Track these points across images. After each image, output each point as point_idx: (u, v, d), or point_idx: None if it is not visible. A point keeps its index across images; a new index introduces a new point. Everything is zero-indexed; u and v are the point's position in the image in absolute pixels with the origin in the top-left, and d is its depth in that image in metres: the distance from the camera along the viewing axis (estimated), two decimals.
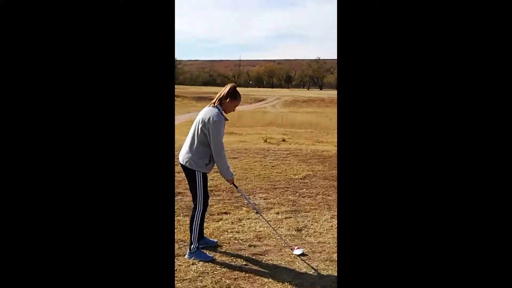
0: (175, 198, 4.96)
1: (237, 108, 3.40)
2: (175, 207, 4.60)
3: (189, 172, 3.28)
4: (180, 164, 3.31)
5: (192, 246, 3.26)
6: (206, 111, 3.25)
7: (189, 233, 3.34)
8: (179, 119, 19.75)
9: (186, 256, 3.26)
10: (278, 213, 4.51)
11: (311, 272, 3.09)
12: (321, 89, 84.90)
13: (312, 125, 17.41)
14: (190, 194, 3.42)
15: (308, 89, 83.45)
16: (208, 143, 3.19)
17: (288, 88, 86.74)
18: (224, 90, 3.30)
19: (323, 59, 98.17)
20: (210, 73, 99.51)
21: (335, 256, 3.38)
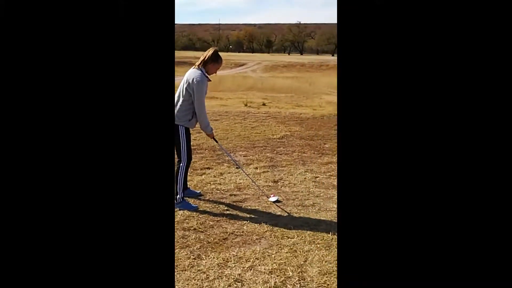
0: None
1: (218, 72, 3.69)
2: None
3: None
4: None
5: (178, 196, 3.61)
6: (191, 73, 3.53)
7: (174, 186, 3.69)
8: None
9: (175, 207, 3.60)
10: (256, 168, 4.89)
11: (285, 215, 3.49)
12: (301, 54, 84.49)
13: (292, 89, 17.68)
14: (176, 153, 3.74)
15: (288, 54, 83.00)
16: (191, 101, 3.49)
17: (268, 53, 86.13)
18: (207, 53, 3.58)
19: (304, 24, 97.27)
20: (189, 37, 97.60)
21: (306, 202, 3.79)
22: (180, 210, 3.53)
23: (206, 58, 3.54)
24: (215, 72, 3.65)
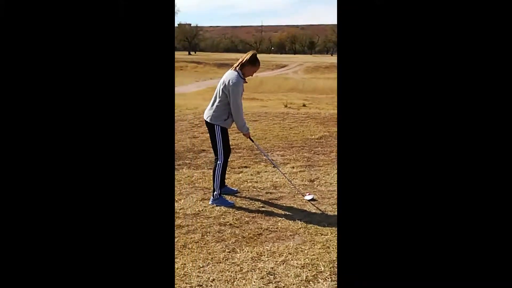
0: (199, 155, 5.45)
1: (259, 74, 3.83)
2: (200, 162, 5.10)
3: (210, 127, 3.73)
4: (204, 120, 3.77)
5: (215, 193, 3.73)
6: (227, 74, 3.66)
7: (212, 182, 3.82)
8: (200, 85, 20.17)
9: (210, 202, 3.73)
10: (293, 167, 4.95)
11: (319, 213, 3.53)
12: None
13: (333, 90, 17.53)
14: (213, 151, 3.87)
15: (331, 55, 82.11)
16: (228, 102, 3.62)
17: (311, 54, 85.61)
18: (246, 56, 3.69)
19: None
20: (231, 40, 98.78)
21: None
22: (217, 206, 3.65)
23: (244, 61, 3.66)
24: (252, 75, 3.76)
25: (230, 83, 3.56)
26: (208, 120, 3.72)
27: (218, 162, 3.75)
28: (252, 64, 3.67)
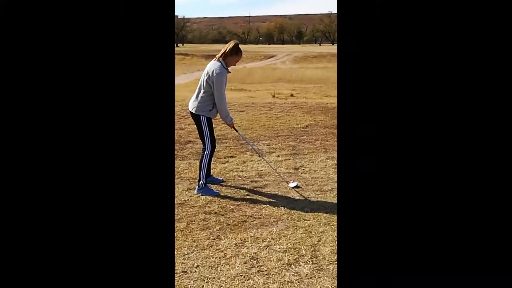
0: (186, 146, 5.49)
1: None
2: (186, 153, 5.14)
3: (195, 118, 3.77)
4: (190, 111, 3.81)
5: (200, 182, 3.78)
6: (211, 65, 3.69)
7: (198, 172, 3.87)
8: (188, 77, 20.06)
9: (195, 191, 3.79)
10: (278, 156, 5.02)
11: (303, 200, 3.61)
12: (333, 44, 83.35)
13: (321, 80, 17.58)
14: (200, 142, 3.91)
15: (320, 45, 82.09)
16: (211, 93, 3.66)
17: (299, 44, 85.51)
18: (228, 46, 3.72)
19: (335, 14, 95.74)
20: (219, 31, 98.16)
21: (325, 187, 3.89)
22: (202, 195, 3.70)
23: (226, 51, 3.69)
24: (235, 64, 3.80)
25: (214, 74, 3.59)
26: (193, 111, 3.76)
27: (205, 151, 3.80)
28: (234, 53, 3.71)
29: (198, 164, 4.01)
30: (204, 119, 3.74)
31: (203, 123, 3.74)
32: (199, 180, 3.79)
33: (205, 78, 3.67)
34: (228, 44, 3.79)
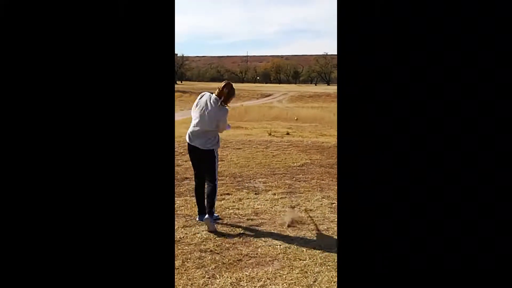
0: (182, 183, 5.50)
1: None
2: (182, 190, 5.14)
3: (208, 153, 3.86)
4: (198, 148, 3.87)
5: (213, 209, 3.84)
6: (216, 110, 3.81)
7: (196, 208, 3.96)
8: (185, 114, 20.27)
9: (207, 219, 3.76)
10: (274, 194, 5.03)
11: (298, 239, 3.60)
12: (328, 84, 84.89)
13: (317, 119, 17.81)
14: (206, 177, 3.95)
15: (315, 85, 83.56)
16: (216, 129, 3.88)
17: (295, 83, 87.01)
18: (224, 90, 3.84)
19: (331, 55, 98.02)
20: (217, 69, 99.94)
21: (321, 226, 3.90)
22: (204, 224, 3.82)
23: (224, 95, 3.84)
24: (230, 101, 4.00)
25: (222, 115, 3.82)
26: (206, 148, 3.84)
27: (216, 183, 3.90)
28: (232, 95, 3.91)
29: (195, 199, 4.08)
30: (217, 153, 3.92)
31: (216, 157, 3.91)
32: (211, 208, 3.82)
33: (214, 121, 3.81)
34: (223, 86, 3.89)
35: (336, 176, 5.57)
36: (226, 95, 3.85)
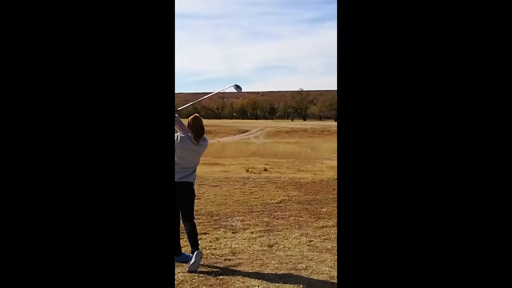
0: None
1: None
2: None
3: (188, 186, 3.88)
4: (182, 182, 3.82)
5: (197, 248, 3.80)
6: (193, 146, 3.89)
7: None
8: None
9: (192, 260, 3.70)
10: (252, 232, 4.97)
11: (277, 279, 3.54)
12: (304, 120, 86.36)
13: (294, 155, 17.96)
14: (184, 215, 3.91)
15: (292, 120, 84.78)
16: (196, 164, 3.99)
17: (272, 119, 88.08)
18: (194, 122, 3.94)
19: (306, 91, 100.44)
20: (194, 106, 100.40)
21: (299, 266, 3.85)
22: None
23: (194, 126, 3.94)
24: None
25: (203, 146, 3.98)
26: (187, 180, 3.88)
27: (194, 221, 3.93)
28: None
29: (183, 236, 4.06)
30: (194, 185, 3.98)
31: (194, 190, 3.96)
32: (197, 245, 3.80)
33: (196, 154, 3.96)
34: (192, 120, 3.98)
35: (313, 213, 5.60)
36: (199, 128, 3.91)
